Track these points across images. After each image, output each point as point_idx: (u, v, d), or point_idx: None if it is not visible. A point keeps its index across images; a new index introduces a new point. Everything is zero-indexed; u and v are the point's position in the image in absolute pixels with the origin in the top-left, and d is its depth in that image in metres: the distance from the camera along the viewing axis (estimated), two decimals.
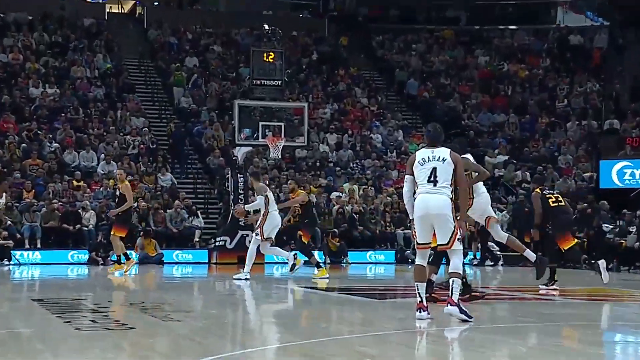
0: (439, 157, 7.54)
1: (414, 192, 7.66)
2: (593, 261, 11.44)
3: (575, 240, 11.79)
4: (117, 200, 14.83)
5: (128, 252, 15.23)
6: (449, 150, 7.66)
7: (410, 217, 7.70)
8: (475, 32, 32.31)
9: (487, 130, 26.69)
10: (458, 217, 7.51)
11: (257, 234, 13.20)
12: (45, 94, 23.35)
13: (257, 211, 13.61)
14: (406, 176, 7.77)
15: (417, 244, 7.56)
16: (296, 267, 13.55)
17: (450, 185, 7.53)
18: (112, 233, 14.78)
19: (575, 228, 11.81)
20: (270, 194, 13.36)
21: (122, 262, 14.70)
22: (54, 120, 22.58)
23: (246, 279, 13.01)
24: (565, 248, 11.76)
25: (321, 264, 14.29)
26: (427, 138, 7.83)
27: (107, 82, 24.99)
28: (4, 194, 14.00)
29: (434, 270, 9.34)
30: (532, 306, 10.05)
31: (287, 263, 14.20)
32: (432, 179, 7.49)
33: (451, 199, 7.51)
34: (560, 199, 11.97)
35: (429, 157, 7.57)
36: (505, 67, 29.89)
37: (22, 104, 22.92)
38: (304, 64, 28.50)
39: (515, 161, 24.63)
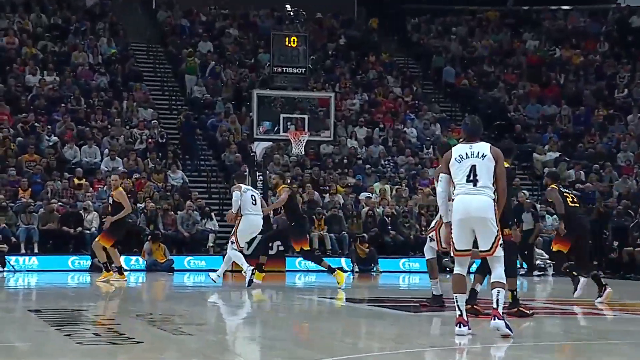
0: (478, 153, 7.53)
1: (450, 193, 7.64)
2: (575, 273, 11.69)
3: (566, 250, 12.13)
4: (110, 209, 14.89)
5: (135, 257, 15.36)
6: (489, 145, 7.64)
7: (444, 221, 7.68)
8: (523, 14, 32.15)
9: (536, 123, 26.55)
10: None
11: (232, 242, 13.55)
12: (44, 82, 23.58)
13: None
14: (441, 174, 7.76)
15: (456, 250, 7.54)
16: (253, 282, 13.59)
17: (493, 185, 7.51)
18: (96, 239, 14.91)
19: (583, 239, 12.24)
20: (245, 195, 13.50)
21: (110, 270, 14.94)
22: (52, 112, 22.81)
23: (218, 277, 13.63)
24: (554, 249, 12.22)
25: (334, 268, 14.34)
26: (465, 132, 7.82)
27: (111, 70, 25.19)
28: None
29: (479, 280, 9.32)
30: (586, 321, 9.99)
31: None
32: (471, 178, 7.47)
33: (494, 200, 7.49)
34: (576, 200, 12.33)
35: (467, 154, 7.55)
36: (557, 52, 29.71)
37: (18, 93, 23.17)
38: (331, 49, 28.53)
39: (567, 159, 24.47)
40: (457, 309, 7.49)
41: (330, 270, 14.07)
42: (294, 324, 9.31)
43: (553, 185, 12.33)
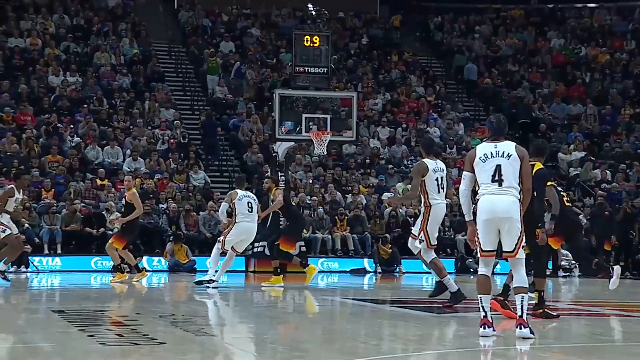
0: (504, 153, 7.46)
1: (475, 193, 7.60)
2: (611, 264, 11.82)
3: (557, 246, 12.40)
4: (123, 209, 15.04)
5: (157, 258, 15.43)
6: (514, 144, 7.58)
7: (467, 219, 7.63)
8: (548, 12, 31.94)
9: (561, 123, 26.40)
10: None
11: (218, 241, 13.77)
12: (66, 82, 23.75)
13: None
14: (464, 172, 7.68)
15: (482, 251, 7.49)
16: (210, 285, 13.65)
17: (518, 185, 7.46)
18: (110, 242, 15.03)
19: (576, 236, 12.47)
20: (242, 202, 13.58)
21: (124, 272, 15.18)
22: (75, 112, 22.97)
23: (209, 281, 13.46)
24: (552, 245, 12.39)
25: (306, 263, 14.51)
26: (490, 130, 7.73)
27: (133, 70, 25.32)
28: (22, 190, 14.42)
29: (540, 283, 9.39)
30: (613, 323, 9.91)
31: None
32: (496, 177, 7.41)
33: (519, 200, 7.43)
34: (569, 200, 12.52)
35: (491, 153, 7.49)
36: (583, 51, 29.51)
37: (41, 94, 23.35)
38: (353, 48, 28.51)
39: (593, 158, 24.32)
40: (481, 310, 7.45)
41: (303, 264, 14.27)
42: (316, 325, 9.31)
43: (550, 183, 12.29)
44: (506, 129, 7.77)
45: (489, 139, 7.66)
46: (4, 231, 14.14)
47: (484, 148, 7.58)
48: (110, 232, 18.90)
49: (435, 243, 10.27)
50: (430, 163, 10.15)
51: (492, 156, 7.48)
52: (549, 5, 32.22)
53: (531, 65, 29.00)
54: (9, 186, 14.22)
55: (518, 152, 7.49)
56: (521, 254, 7.43)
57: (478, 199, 7.51)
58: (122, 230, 14.90)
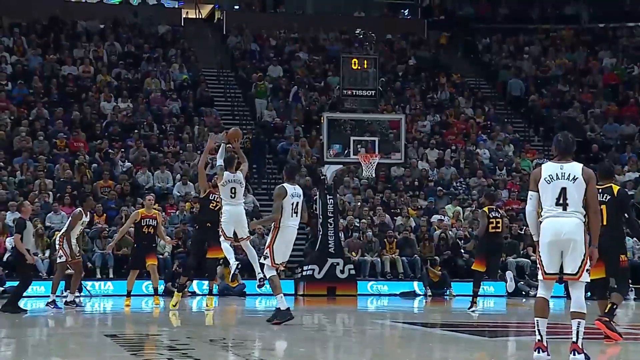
0: (570, 175, 7.26)
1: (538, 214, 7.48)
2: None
3: (484, 269, 14.34)
4: (152, 230, 15.10)
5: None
6: (581, 165, 7.35)
7: (535, 239, 7.47)
8: (599, 31, 31.66)
9: (614, 143, 26.04)
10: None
11: (219, 235, 13.48)
12: (118, 108, 24.13)
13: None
14: (530, 192, 7.45)
15: (545, 273, 7.31)
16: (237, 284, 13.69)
17: (583, 208, 7.30)
18: (149, 263, 15.08)
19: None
20: (223, 189, 12.86)
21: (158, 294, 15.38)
22: (126, 138, 23.29)
23: (237, 269, 13.12)
24: (472, 268, 14.64)
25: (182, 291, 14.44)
26: (557, 149, 7.47)
27: (183, 95, 25.64)
28: (89, 212, 14.84)
29: (618, 298, 9.48)
30: None
31: None
32: (560, 201, 7.23)
33: (584, 222, 7.27)
34: (499, 225, 13.93)
35: (557, 175, 7.29)
36: (635, 70, 29.14)
37: (93, 120, 23.73)
38: (401, 71, 28.53)
39: None
40: (537, 333, 7.29)
41: (180, 289, 14.35)
42: (367, 349, 9.27)
43: (485, 208, 13.79)
44: (574, 148, 7.51)
45: (556, 159, 7.44)
46: (60, 257, 14.44)
47: (549, 168, 7.37)
48: (161, 256, 19.13)
49: (280, 262, 11.00)
50: (290, 188, 10.86)
51: (557, 178, 7.28)
52: (599, 25, 31.94)
53: (582, 85, 28.72)
54: (77, 210, 14.57)
55: (584, 175, 7.27)
56: (585, 277, 7.22)
57: (541, 222, 7.37)
58: (153, 249, 15.37)
